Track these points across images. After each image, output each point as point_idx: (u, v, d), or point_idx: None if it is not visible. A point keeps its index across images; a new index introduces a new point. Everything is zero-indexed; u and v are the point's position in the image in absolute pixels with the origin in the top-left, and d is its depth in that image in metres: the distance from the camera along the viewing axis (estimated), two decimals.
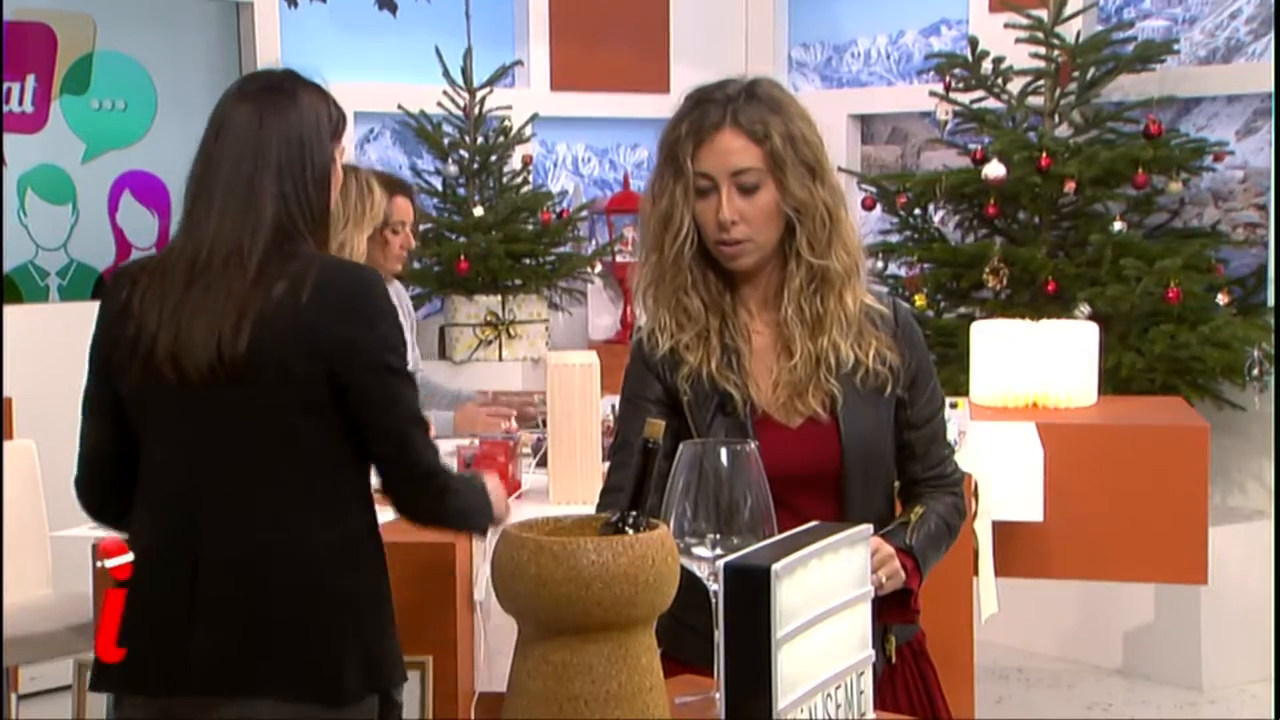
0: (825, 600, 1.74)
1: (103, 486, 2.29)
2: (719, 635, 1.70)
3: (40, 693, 4.81)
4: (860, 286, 2.24)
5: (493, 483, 2.38)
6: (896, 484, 2.32)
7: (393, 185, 3.99)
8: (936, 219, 5.91)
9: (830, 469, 2.21)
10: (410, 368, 2.29)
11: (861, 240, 2.26)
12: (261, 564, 2.15)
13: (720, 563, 1.68)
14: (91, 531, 2.97)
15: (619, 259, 6.55)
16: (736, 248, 2.18)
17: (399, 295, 4.12)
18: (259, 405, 2.15)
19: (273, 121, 2.22)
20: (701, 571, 1.86)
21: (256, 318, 2.13)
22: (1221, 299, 5.34)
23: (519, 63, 6.29)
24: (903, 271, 5.92)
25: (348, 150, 5.95)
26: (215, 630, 2.15)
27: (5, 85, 5.27)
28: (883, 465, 2.27)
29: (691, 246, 2.19)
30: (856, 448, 2.21)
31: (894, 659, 2.32)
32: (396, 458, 2.20)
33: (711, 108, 2.17)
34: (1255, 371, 5.23)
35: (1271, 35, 5.70)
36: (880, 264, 6.09)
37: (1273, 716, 4.71)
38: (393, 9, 5.46)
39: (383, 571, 2.25)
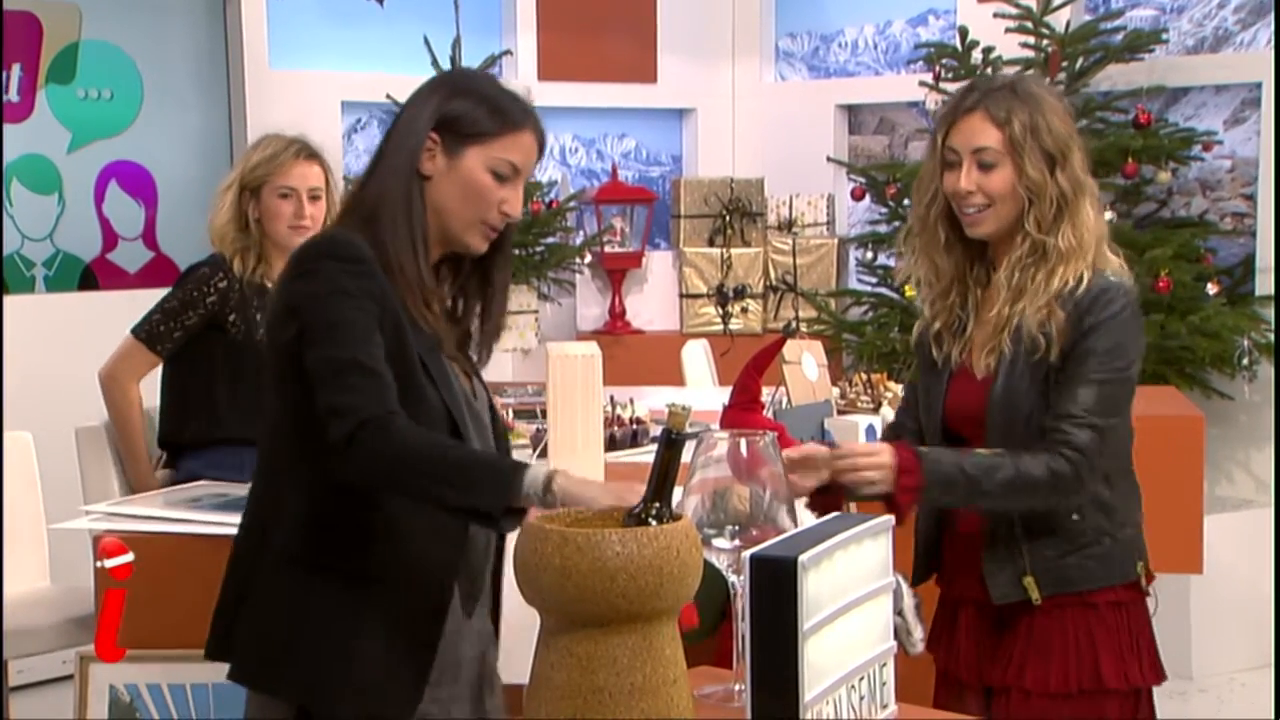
0: (849, 591, 1.74)
1: None
2: (743, 627, 1.70)
3: (25, 686, 4.78)
4: (1082, 270, 2.43)
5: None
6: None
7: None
8: None
9: (982, 419, 2.46)
10: None
11: (1093, 230, 2.46)
12: None
13: (746, 554, 1.68)
14: (91, 524, 2.96)
15: (607, 249, 6.54)
16: (975, 215, 2.48)
17: None
18: None
19: None
20: (721, 563, 1.85)
21: None
22: (1211, 289, 5.35)
23: (507, 52, 6.27)
24: (892, 262, 5.92)
25: (334, 141, 5.88)
26: None
27: None
28: (1023, 426, 2.43)
29: (938, 209, 2.52)
30: (999, 404, 2.44)
31: (1037, 600, 2.44)
32: None
33: (971, 94, 2.49)
34: (1245, 361, 5.25)
35: (1259, 25, 5.72)
36: (870, 254, 6.09)
37: (1272, 703, 4.72)
38: None
39: None
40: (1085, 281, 2.42)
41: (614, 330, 6.57)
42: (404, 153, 2.21)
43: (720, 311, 6.57)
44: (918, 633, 2.67)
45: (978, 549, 2.51)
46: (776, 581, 1.64)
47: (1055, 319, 2.40)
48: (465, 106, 2.21)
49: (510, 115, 2.23)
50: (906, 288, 5.70)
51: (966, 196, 2.46)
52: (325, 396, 2.06)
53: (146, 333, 3.72)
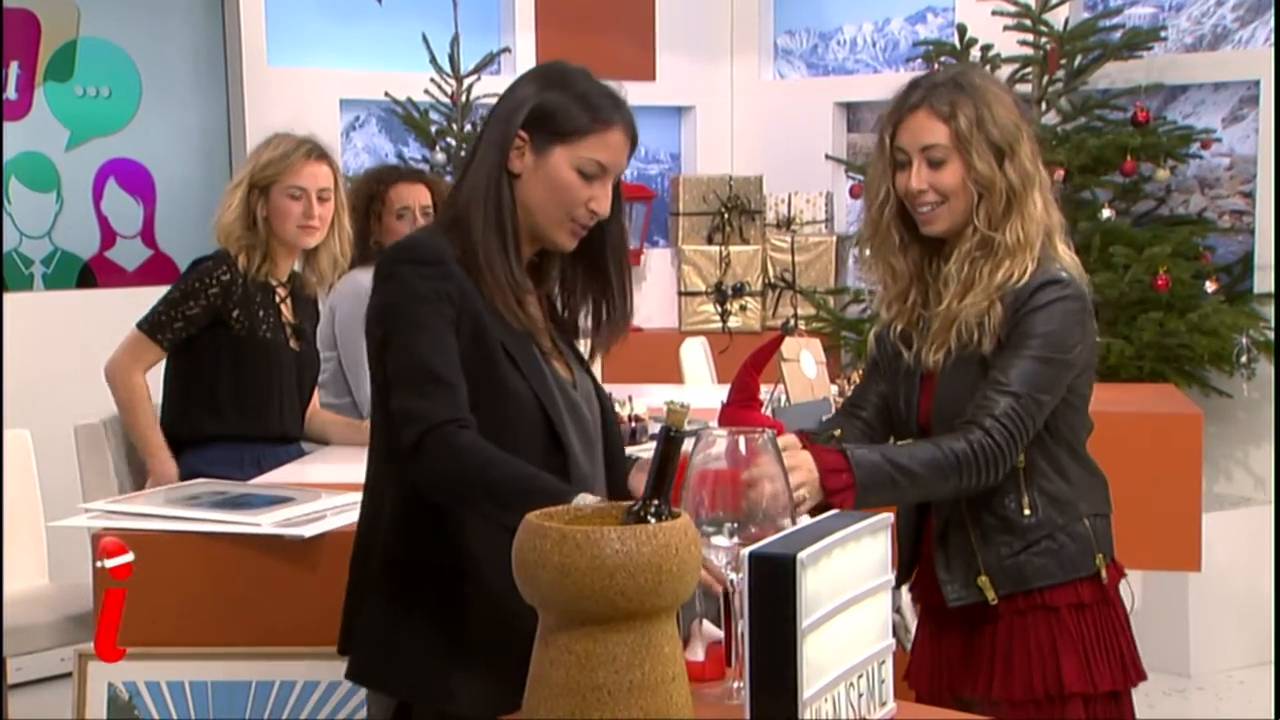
0: (847, 589, 1.74)
1: None
2: (741, 625, 1.70)
3: (24, 684, 4.78)
4: (1026, 264, 2.39)
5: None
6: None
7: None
8: None
9: (929, 420, 2.43)
10: None
11: (1040, 223, 2.42)
12: None
13: (744, 551, 1.68)
14: (89, 521, 2.96)
15: None
16: (929, 213, 2.43)
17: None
18: None
19: None
20: (720, 560, 1.85)
21: None
22: (1209, 286, 5.36)
23: (506, 50, 6.27)
24: None
25: (332, 139, 5.89)
26: None
27: None
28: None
29: (891, 210, 2.48)
30: (940, 405, 2.42)
31: (993, 599, 2.42)
32: None
33: (915, 92, 2.45)
34: (1243, 359, 5.26)
35: (1257, 23, 5.72)
36: (867, 251, 6.08)
37: (1272, 701, 4.72)
38: None
39: None
40: (1027, 275, 2.39)
41: None
42: (493, 151, 2.23)
43: (719, 309, 6.57)
44: (915, 628, 2.67)
45: (932, 554, 2.50)
46: (775, 579, 1.63)
47: (994, 312, 2.38)
48: (554, 105, 2.22)
49: (599, 114, 2.22)
50: None
51: (919, 195, 2.42)
52: (397, 400, 2.13)
53: (149, 324, 3.73)
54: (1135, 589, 5.22)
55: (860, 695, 1.76)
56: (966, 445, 2.30)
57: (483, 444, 2.08)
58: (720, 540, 1.84)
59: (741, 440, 1.86)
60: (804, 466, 2.18)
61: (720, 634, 2.02)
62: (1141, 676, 2.48)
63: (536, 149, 2.21)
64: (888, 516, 1.83)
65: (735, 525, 1.84)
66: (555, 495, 1.98)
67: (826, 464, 2.22)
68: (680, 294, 6.65)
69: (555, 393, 2.24)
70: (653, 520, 1.68)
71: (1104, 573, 2.46)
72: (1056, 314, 2.37)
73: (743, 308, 6.56)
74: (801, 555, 1.63)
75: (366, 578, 2.26)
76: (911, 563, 2.58)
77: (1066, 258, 2.45)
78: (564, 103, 2.21)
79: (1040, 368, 2.35)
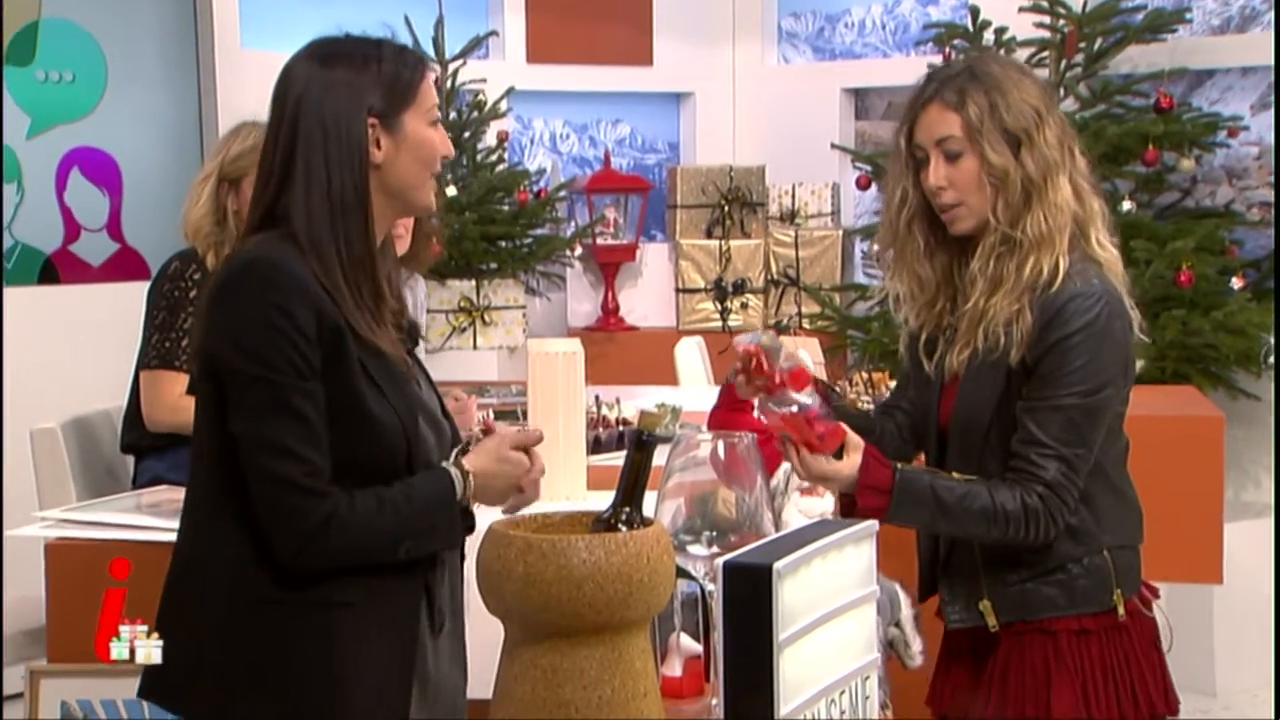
0: (829, 601, 1.74)
1: None
2: (717, 638, 1.70)
3: None
4: (1057, 259, 2.37)
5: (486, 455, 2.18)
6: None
7: None
8: None
9: (947, 425, 2.45)
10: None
11: (1068, 212, 2.40)
12: None
13: (719, 561, 1.68)
14: (44, 531, 2.97)
15: (600, 241, 6.55)
16: (952, 212, 2.43)
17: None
18: None
19: None
20: (697, 571, 1.86)
21: None
22: (1236, 283, 5.35)
23: (493, 33, 6.28)
24: None
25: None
26: None
27: None
28: (980, 439, 2.42)
29: (911, 212, 2.47)
30: (960, 414, 2.43)
31: (994, 627, 2.44)
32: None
33: (929, 85, 2.44)
34: (1271, 359, 5.26)
35: None
36: (875, 245, 6.10)
37: None
38: None
39: None
40: (1059, 278, 2.36)
41: (607, 327, 6.58)
42: (347, 159, 2.16)
43: (719, 307, 6.58)
44: (916, 645, 2.68)
45: (937, 570, 2.51)
46: (750, 590, 1.64)
47: (1023, 319, 2.36)
48: (384, 77, 2.18)
49: (415, 61, 2.24)
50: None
51: (939, 193, 2.42)
52: (261, 490, 2.08)
53: (158, 358, 3.69)
54: (1157, 603, 5.19)
55: (842, 712, 1.76)
56: (1020, 508, 2.34)
57: (355, 519, 2.06)
58: (697, 549, 1.85)
59: (720, 445, 1.87)
60: (839, 476, 2.28)
61: (699, 648, 2.04)
62: (1170, 709, 2.46)
63: (388, 128, 2.18)
64: (872, 524, 1.84)
65: (714, 534, 1.86)
66: (445, 501, 2.10)
67: (868, 480, 2.29)
68: (678, 291, 6.65)
69: (420, 418, 2.18)
70: (623, 528, 1.69)
71: (1121, 608, 2.44)
72: (1087, 346, 2.34)
73: (744, 306, 6.56)
74: (778, 565, 1.64)
75: (205, 619, 2.15)
76: (931, 579, 2.58)
77: (1100, 252, 2.43)
78: (387, 70, 2.19)
79: (1078, 419, 2.35)
